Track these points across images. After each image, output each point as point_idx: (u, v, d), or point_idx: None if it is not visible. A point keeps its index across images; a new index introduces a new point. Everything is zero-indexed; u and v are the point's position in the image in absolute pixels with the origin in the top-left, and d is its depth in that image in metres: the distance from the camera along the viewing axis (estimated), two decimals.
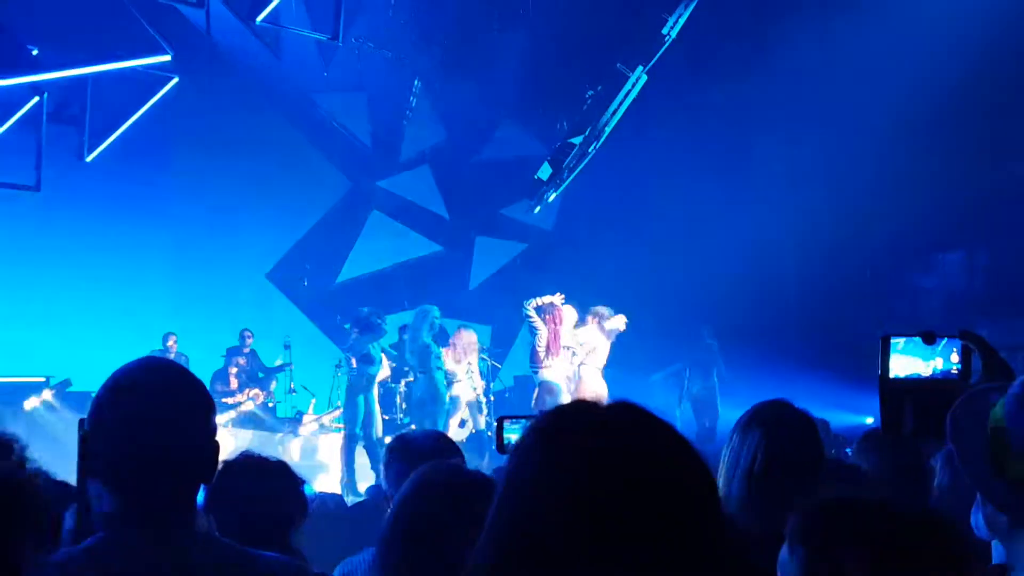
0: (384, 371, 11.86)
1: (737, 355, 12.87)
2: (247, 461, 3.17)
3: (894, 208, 12.87)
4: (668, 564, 1.23)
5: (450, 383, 11.67)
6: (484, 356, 13.08)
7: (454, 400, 11.75)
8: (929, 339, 2.24)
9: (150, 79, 12.38)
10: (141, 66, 11.81)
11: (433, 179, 16.82)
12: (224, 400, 12.98)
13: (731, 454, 2.82)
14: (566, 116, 13.31)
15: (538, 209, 13.96)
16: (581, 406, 1.36)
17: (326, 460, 12.47)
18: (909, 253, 13.93)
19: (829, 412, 8.35)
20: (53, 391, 12.12)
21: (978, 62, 11.74)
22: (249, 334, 13.97)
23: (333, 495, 6.89)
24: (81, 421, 1.95)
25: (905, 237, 13.45)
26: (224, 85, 14.40)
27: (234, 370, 13.67)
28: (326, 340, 15.32)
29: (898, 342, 2.25)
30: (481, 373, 12.61)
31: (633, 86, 12.36)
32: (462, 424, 11.93)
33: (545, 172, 12.98)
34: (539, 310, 10.98)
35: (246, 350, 13.94)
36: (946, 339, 2.25)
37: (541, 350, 10.91)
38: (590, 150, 12.82)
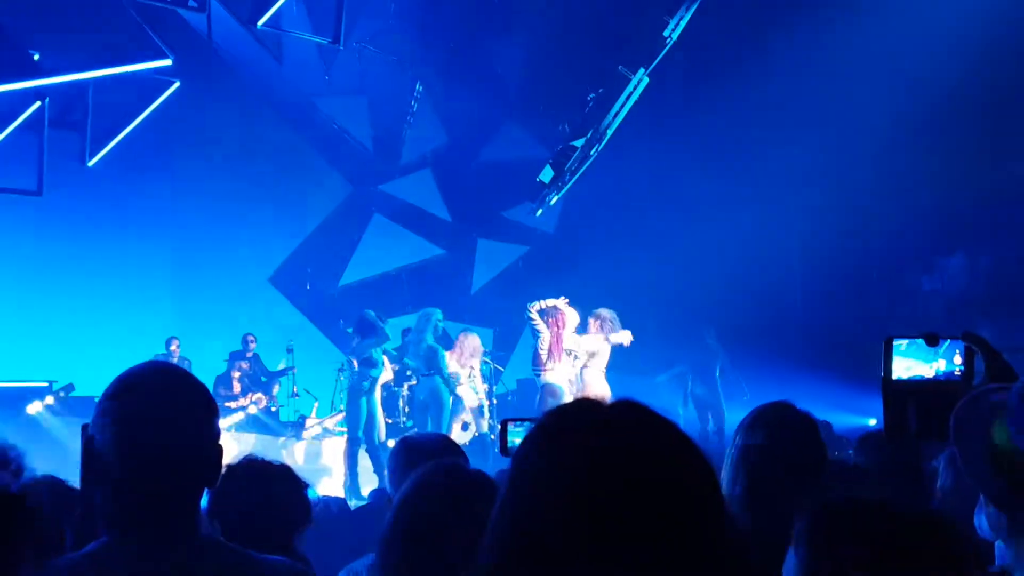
0: (387, 374, 11.85)
1: (740, 357, 12.86)
2: (251, 465, 3.17)
3: (896, 209, 12.88)
4: (669, 564, 1.23)
5: (453, 387, 11.67)
6: (487, 359, 13.08)
7: (457, 403, 11.75)
8: (932, 341, 2.24)
9: (151, 83, 12.40)
10: (142, 71, 11.83)
11: (435, 182, 16.82)
12: (227, 404, 12.97)
13: (734, 456, 2.82)
14: (568, 119, 13.30)
15: (540, 212, 13.96)
16: (584, 405, 1.36)
17: (329, 464, 12.47)
18: (911, 254, 13.92)
19: (832, 414, 8.36)
20: (56, 396, 12.11)
21: (977, 65, 11.74)
22: (252, 338, 13.98)
23: (336, 499, 6.88)
24: (84, 426, 1.95)
25: (907, 238, 13.45)
26: (225, 89, 14.41)
27: (237, 374, 13.67)
28: (329, 344, 15.32)
29: (901, 344, 2.26)
30: (484, 376, 12.61)
31: (635, 88, 12.36)
32: (465, 427, 11.93)
33: (547, 175, 12.98)
34: (542, 313, 10.98)
35: (249, 354, 13.94)
36: (949, 341, 2.26)
37: (543, 353, 10.91)
38: (592, 153, 12.81)
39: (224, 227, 15.09)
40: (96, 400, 2.03)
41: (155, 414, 1.93)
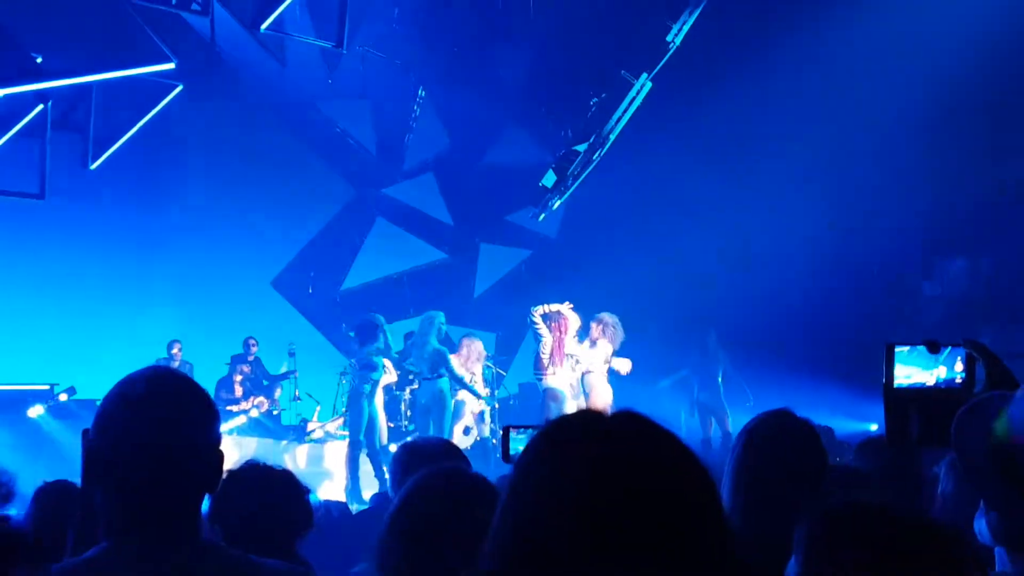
0: (391, 376, 11.86)
1: (742, 361, 12.84)
2: (252, 470, 3.17)
3: (898, 213, 12.88)
4: (670, 573, 1.24)
5: (455, 390, 11.67)
6: (489, 364, 13.08)
7: (459, 407, 11.75)
8: (933, 348, 2.24)
9: (154, 87, 12.39)
10: (145, 74, 11.82)
11: (437, 186, 16.83)
12: (229, 408, 12.98)
13: (734, 464, 2.83)
14: (570, 123, 13.31)
15: (542, 216, 13.96)
16: (585, 415, 1.39)
17: (331, 468, 12.46)
18: (912, 258, 13.92)
19: (833, 419, 8.36)
20: (57, 399, 12.11)
21: (978, 66, 11.75)
22: (253, 342, 13.98)
23: (337, 503, 6.89)
24: (85, 431, 1.95)
25: (908, 242, 13.44)
26: (228, 93, 14.42)
27: (239, 378, 13.67)
28: (331, 348, 15.33)
29: (903, 350, 2.26)
30: (486, 380, 12.61)
31: (638, 93, 12.37)
32: (467, 431, 11.93)
33: (550, 179, 12.98)
34: (545, 317, 11.00)
35: (250, 358, 13.94)
36: (950, 348, 2.26)
37: (545, 357, 10.92)
38: (594, 157, 12.82)
39: (226, 230, 15.10)
40: (98, 404, 2.03)
41: (155, 419, 1.93)
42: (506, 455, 3.22)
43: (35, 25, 10.88)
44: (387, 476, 10.51)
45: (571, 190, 13.20)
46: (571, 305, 11.12)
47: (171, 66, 11.71)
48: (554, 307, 11.07)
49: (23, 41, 10.69)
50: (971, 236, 13.30)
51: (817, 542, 1.67)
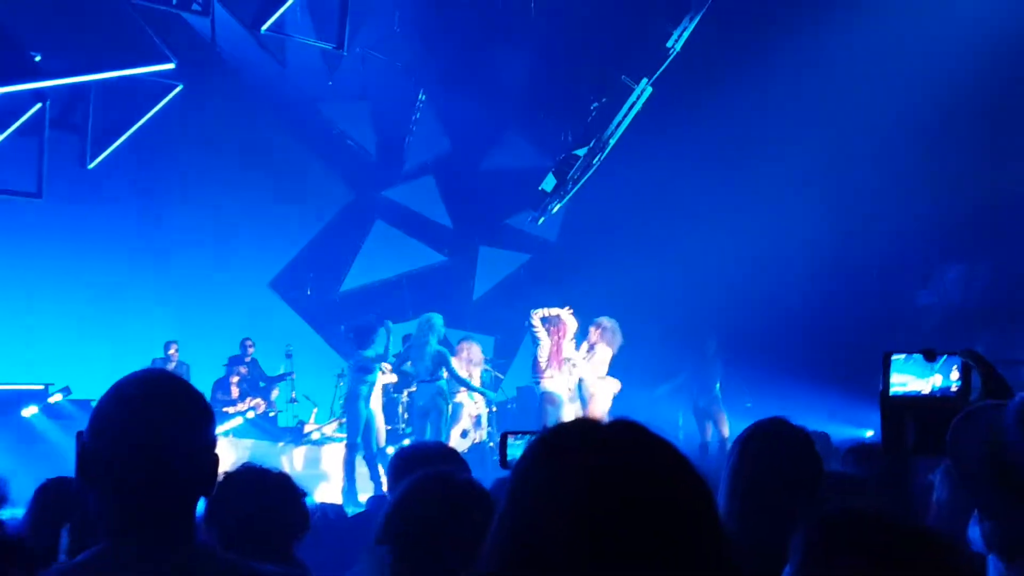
0: (390, 377, 11.86)
1: (740, 365, 12.85)
2: (248, 473, 3.17)
3: (896, 219, 12.88)
4: None
5: (453, 393, 11.67)
6: (487, 367, 13.07)
7: (456, 410, 11.74)
8: (930, 356, 2.25)
9: (154, 87, 12.39)
10: (145, 74, 11.83)
11: (437, 189, 16.84)
12: (225, 409, 12.97)
13: (730, 472, 2.83)
14: (571, 128, 13.32)
15: (542, 220, 13.97)
16: (583, 424, 1.40)
17: (328, 470, 12.46)
18: (911, 265, 13.92)
19: (830, 425, 8.36)
20: (53, 399, 12.09)
21: (977, 72, 11.76)
22: (250, 343, 13.97)
23: (333, 505, 6.88)
24: (79, 433, 1.95)
25: (908, 249, 13.44)
26: (228, 93, 14.42)
27: (235, 379, 13.67)
28: (328, 349, 15.33)
29: (899, 359, 2.26)
30: (484, 384, 12.60)
31: (638, 98, 12.38)
32: (464, 435, 11.92)
33: (549, 183, 12.99)
34: (544, 321, 11.00)
35: (247, 359, 13.93)
36: (946, 356, 2.26)
37: (542, 361, 10.93)
38: (594, 162, 12.83)
39: (225, 231, 15.10)
40: (93, 404, 2.02)
41: (150, 421, 1.93)
42: (504, 461, 3.23)
43: (34, 24, 10.88)
44: (383, 479, 10.53)
45: (571, 194, 13.21)
46: (571, 310, 11.13)
47: (171, 66, 11.71)
48: (553, 311, 11.08)
49: (22, 40, 10.68)
50: (969, 242, 13.30)
51: (813, 549, 1.67)
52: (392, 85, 15.44)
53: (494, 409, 13.00)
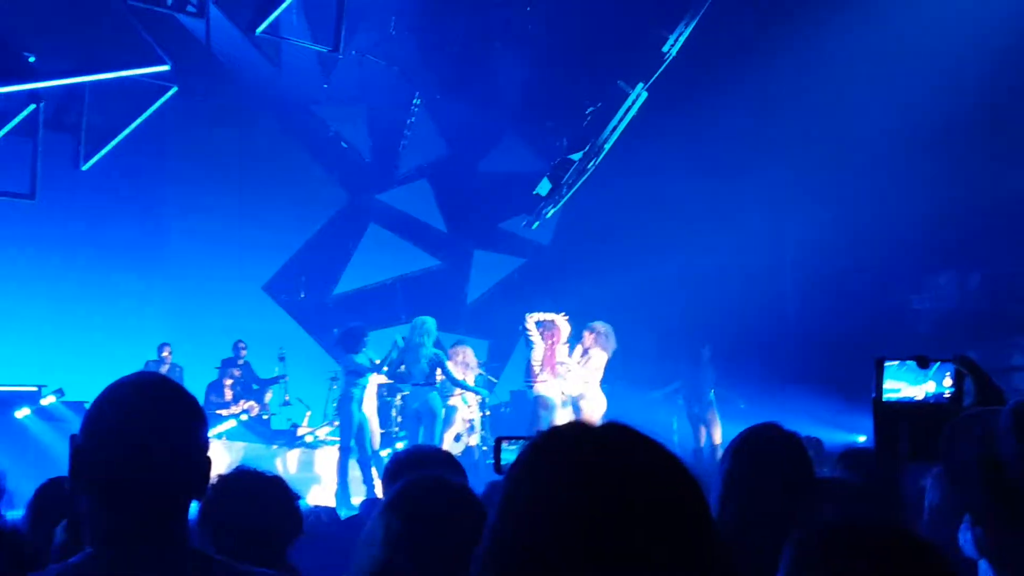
0: (381, 378, 11.85)
1: (734, 371, 12.86)
2: (242, 476, 3.16)
3: (891, 227, 12.90)
4: None
5: (446, 396, 11.66)
6: (481, 371, 13.07)
7: (449, 414, 11.74)
8: (923, 363, 2.25)
9: (148, 88, 12.36)
10: (139, 75, 11.80)
11: (432, 193, 16.84)
12: (219, 412, 12.95)
13: (723, 477, 2.83)
14: (566, 132, 13.34)
15: (536, 225, 13.98)
16: (577, 427, 1.40)
17: (321, 473, 12.45)
18: (905, 272, 13.95)
19: (823, 430, 8.37)
20: (46, 401, 12.07)
21: (972, 80, 11.80)
22: (243, 345, 13.95)
23: (326, 508, 6.86)
24: (73, 436, 1.95)
25: (900, 255, 13.47)
26: (223, 95, 14.41)
27: (229, 381, 13.64)
28: (322, 352, 15.31)
29: (892, 365, 2.27)
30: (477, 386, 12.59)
31: (633, 103, 12.40)
32: (457, 438, 11.92)
33: (544, 188, 13.01)
34: (538, 324, 11.01)
35: (240, 361, 13.91)
36: (939, 363, 2.27)
37: (536, 364, 10.94)
38: (589, 166, 12.85)
39: (218, 233, 15.07)
40: (86, 406, 2.02)
41: (143, 425, 1.93)
42: (498, 466, 3.23)
43: (28, 24, 10.85)
44: (376, 482, 10.52)
45: (565, 199, 13.22)
46: (566, 317, 11.14)
47: (166, 68, 11.69)
48: (549, 316, 11.09)
49: (16, 40, 10.66)
50: (962, 249, 13.33)
51: (804, 556, 1.67)
52: (387, 88, 15.44)
53: (487, 413, 13.00)
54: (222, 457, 10.58)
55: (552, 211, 13.52)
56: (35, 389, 12.13)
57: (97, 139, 12.50)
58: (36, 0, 10.99)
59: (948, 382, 2.27)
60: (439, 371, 11.32)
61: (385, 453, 11.64)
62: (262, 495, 3.10)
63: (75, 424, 1.98)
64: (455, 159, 16.51)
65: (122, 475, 1.91)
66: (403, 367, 11.68)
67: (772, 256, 13.84)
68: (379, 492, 7.76)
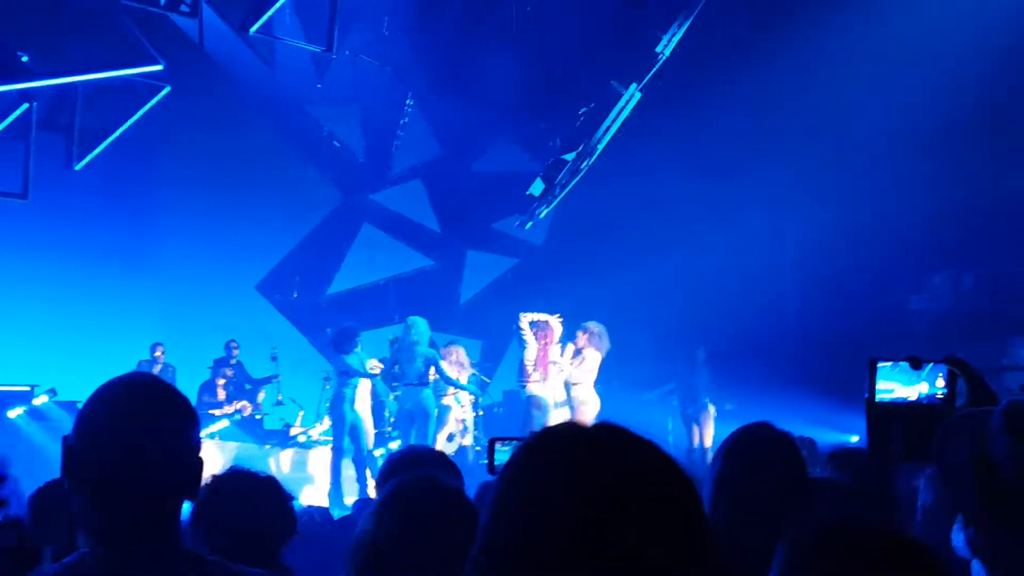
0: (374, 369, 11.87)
1: (728, 373, 12.87)
2: (235, 476, 3.16)
3: (888, 227, 12.92)
4: None
5: (440, 396, 11.66)
6: (475, 371, 13.07)
7: (443, 414, 11.73)
8: (916, 364, 2.25)
9: (141, 88, 12.35)
10: (132, 75, 11.79)
11: (425, 193, 16.84)
12: (211, 411, 12.94)
13: (715, 476, 2.83)
14: (559, 132, 13.34)
15: (529, 225, 13.98)
16: (570, 427, 1.40)
17: (314, 473, 12.44)
18: (900, 272, 13.97)
19: (817, 430, 8.39)
20: (38, 400, 12.04)
21: (970, 81, 11.82)
22: (235, 345, 13.93)
23: (320, 508, 6.86)
24: (65, 437, 1.95)
25: (907, 256, 13.48)
26: (216, 95, 14.39)
27: (221, 381, 13.63)
28: (315, 352, 15.29)
29: (885, 366, 2.27)
30: (469, 389, 12.59)
31: (627, 103, 12.41)
32: (450, 438, 11.91)
33: (537, 188, 13.01)
34: (532, 324, 11.00)
35: (233, 361, 13.90)
36: (932, 363, 2.27)
37: (529, 364, 10.94)
38: (582, 167, 12.85)
39: (211, 233, 15.05)
40: (79, 406, 2.02)
41: (134, 424, 1.93)
42: (491, 467, 3.23)
43: (21, 24, 10.83)
44: (370, 482, 10.51)
45: (558, 199, 13.23)
46: (560, 318, 11.14)
47: (159, 67, 11.68)
48: (542, 316, 11.08)
49: (9, 40, 10.64)
50: (962, 250, 13.35)
51: (797, 557, 1.67)
52: (381, 88, 15.44)
53: (480, 413, 12.99)
54: (215, 457, 10.57)
55: (545, 211, 13.53)
56: (27, 389, 12.11)
57: (90, 139, 12.49)
58: (29, 0, 10.97)
59: (941, 383, 2.28)
60: (432, 370, 11.32)
61: (379, 453, 11.63)
62: (255, 495, 3.10)
63: (67, 424, 1.98)
64: (448, 159, 16.50)
65: (114, 475, 1.91)
66: (397, 367, 11.68)
67: (771, 256, 13.84)
68: (372, 492, 7.76)
